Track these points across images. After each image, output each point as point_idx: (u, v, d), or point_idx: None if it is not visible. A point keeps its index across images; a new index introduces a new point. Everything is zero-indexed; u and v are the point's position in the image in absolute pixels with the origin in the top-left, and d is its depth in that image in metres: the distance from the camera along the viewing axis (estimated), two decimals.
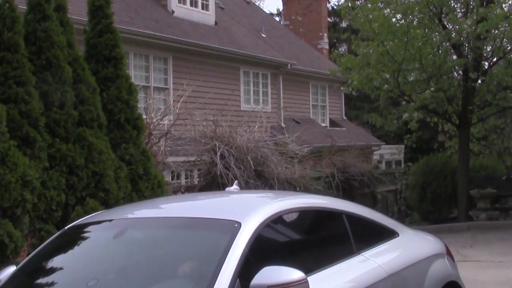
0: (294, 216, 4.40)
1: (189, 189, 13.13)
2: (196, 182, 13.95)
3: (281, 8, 36.67)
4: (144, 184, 8.76)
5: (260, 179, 13.13)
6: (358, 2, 19.16)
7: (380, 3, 17.97)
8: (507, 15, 16.87)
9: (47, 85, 7.84)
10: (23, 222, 7.17)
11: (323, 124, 25.23)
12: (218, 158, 12.60)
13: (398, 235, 5.08)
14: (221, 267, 3.39)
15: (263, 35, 24.12)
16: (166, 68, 17.22)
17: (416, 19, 18.15)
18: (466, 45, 18.15)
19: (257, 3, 36.61)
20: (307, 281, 3.39)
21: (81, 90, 8.17)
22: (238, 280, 3.39)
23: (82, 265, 4.00)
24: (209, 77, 18.19)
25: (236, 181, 5.37)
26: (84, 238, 4.31)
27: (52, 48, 7.94)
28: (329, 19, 34.16)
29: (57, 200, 7.58)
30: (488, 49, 18.34)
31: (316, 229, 4.67)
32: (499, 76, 17.91)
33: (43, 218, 7.54)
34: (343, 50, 35.62)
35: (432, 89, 18.19)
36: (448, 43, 17.89)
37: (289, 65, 22.17)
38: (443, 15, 17.81)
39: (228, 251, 3.49)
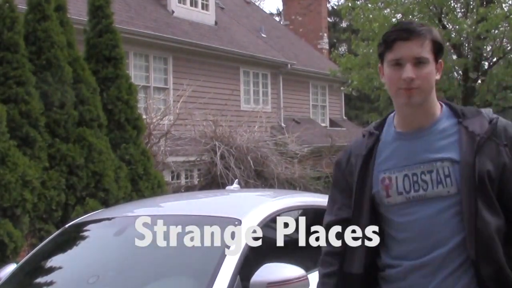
0: (294, 214, 4.40)
1: (189, 189, 13.11)
2: (196, 182, 13.94)
3: (281, 8, 36.66)
4: (144, 184, 8.77)
5: (260, 179, 13.11)
6: (358, 2, 19.14)
7: (380, 3, 17.97)
8: (507, 15, 16.87)
9: (47, 85, 7.84)
10: (23, 222, 7.17)
11: (323, 124, 25.20)
12: (218, 158, 12.59)
13: None
14: (221, 265, 3.39)
15: (263, 35, 24.10)
16: (166, 68, 17.20)
17: (416, 19, 18.14)
18: (466, 45, 18.16)
19: (257, 3, 36.58)
20: (307, 278, 3.38)
21: (81, 90, 8.17)
22: (238, 277, 3.39)
23: (83, 262, 4.01)
24: (209, 77, 18.17)
25: (236, 180, 5.37)
26: (85, 236, 4.32)
27: (52, 48, 7.94)
28: (329, 19, 34.12)
29: (57, 200, 7.59)
30: (488, 49, 18.35)
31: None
32: (499, 76, 17.90)
33: (43, 218, 7.55)
34: (343, 50, 35.61)
35: None
36: (448, 43, 17.89)
37: (289, 65, 22.13)
38: (443, 15, 17.81)
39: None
